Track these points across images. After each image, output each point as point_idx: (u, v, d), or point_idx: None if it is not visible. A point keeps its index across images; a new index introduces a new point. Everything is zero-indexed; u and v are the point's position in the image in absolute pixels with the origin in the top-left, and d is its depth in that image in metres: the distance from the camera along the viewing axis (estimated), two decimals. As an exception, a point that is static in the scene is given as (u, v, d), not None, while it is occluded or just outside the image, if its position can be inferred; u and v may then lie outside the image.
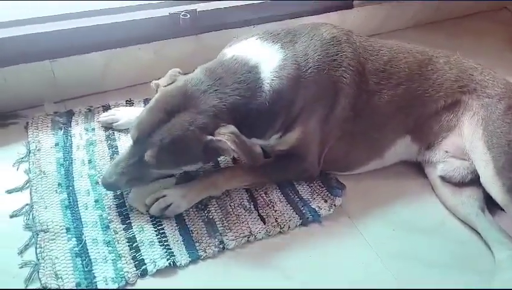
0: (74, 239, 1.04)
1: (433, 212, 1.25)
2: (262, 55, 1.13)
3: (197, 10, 1.52)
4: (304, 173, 1.24)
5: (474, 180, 1.21)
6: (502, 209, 1.17)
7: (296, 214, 1.17)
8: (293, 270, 1.06)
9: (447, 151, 1.26)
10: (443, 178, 1.25)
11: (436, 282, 1.07)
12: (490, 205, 1.21)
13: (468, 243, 1.17)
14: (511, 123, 1.16)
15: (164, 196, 1.11)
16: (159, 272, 1.02)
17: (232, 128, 1.04)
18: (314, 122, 1.18)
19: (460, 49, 1.42)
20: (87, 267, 0.99)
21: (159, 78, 1.16)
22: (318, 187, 1.24)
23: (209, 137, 1.03)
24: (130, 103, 1.46)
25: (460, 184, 1.23)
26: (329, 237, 1.14)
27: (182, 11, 1.50)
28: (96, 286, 0.97)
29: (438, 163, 1.27)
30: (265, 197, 1.21)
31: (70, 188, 1.15)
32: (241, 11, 1.58)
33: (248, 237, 1.11)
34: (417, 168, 1.35)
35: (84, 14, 1.44)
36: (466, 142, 1.22)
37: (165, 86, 1.11)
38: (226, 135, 1.02)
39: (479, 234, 1.18)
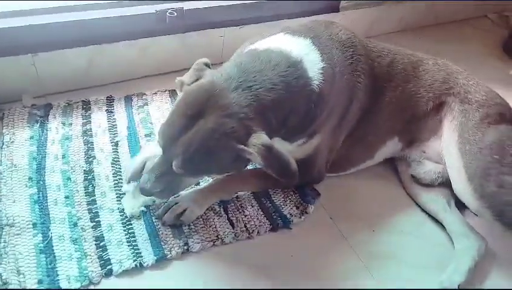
0: (40, 235, 1.03)
1: (413, 214, 1.27)
2: (302, 49, 1.05)
3: (184, 8, 1.51)
4: (312, 180, 1.23)
5: (443, 184, 1.24)
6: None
7: (267, 219, 1.17)
8: (275, 270, 1.06)
9: (424, 152, 1.29)
10: (413, 177, 1.28)
11: (414, 282, 1.08)
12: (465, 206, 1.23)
13: (445, 244, 1.19)
14: (484, 132, 1.17)
15: (176, 203, 1.09)
16: (125, 271, 1.01)
17: (264, 138, 0.92)
18: (330, 129, 1.16)
19: (445, 53, 1.45)
20: (50, 265, 0.98)
21: (183, 74, 1.05)
22: (291, 193, 1.24)
23: (240, 146, 0.91)
24: (110, 99, 1.45)
25: (428, 186, 1.26)
26: (311, 237, 1.15)
27: (169, 9, 1.49)
28: (59, 284, 0.96)
29: (412, 162, 1.29)
30: (236, 202, 1.20)
31: (41, 182, 1.14)
32: (227, 11, 1.57)
33: (214, 241, 1.10)
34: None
35: (69, 9, 1.42)
36: (443, 145, 1.24)
37: (190, 83, 1.01)
38: (256, 147, 0.91)
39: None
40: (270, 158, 0.92)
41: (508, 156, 1.12)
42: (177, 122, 0.95)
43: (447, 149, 1.21)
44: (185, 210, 1.09)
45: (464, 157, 1.15)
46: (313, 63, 1.04)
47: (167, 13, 1.49)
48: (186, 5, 1.52)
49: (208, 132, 0.92)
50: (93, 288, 0.97)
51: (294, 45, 1.06)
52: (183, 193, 1.12)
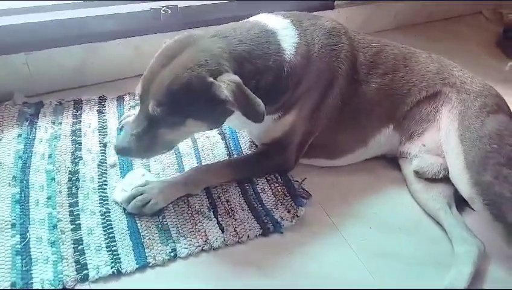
0: (18, 236, 1.00)
1: (410, 211, 1.25)
2: (279, 24, 1.12)
3: (178, 6, 1.48)
4: (283, 164, 1.23)
5: (446, 178, 1.23)
6: (472, 209, 1.17)
7: (258, 223, 1.11)
8: (273, 268, 1.04)
9: (424, 145, 1.27)
10: (417, 173, 1.26)
11: (412, 279, 1.07)
12: (463, 204, 1.22)
13: (442, 241, 1.18)
14: (484, 120, 1.18)
15: (142, 194, 1.08)
16: (102, 277, 0.96)
17: (234, 76, 0.94)
18: (307, 109, 1.18)
19: (439, 51, 1.45)
20: (25, 267, 0.95)
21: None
22: (282, 195, 1.18)
23: (210, 79, 0.93)
24: (102, 99, 1.42)
25: (432, 180, 1.24)
26: (308, 234, 1.13)
27: (163, 7, 1.47)
28: (32, 287, 0.92)
29: (413, 157, 1.28)
30: (226, 205, 1.14)
31: (24, 182, 1.11)
32: (222, 8, 1.54)
33: (203, 247, 1.05)
34: (396, 167, 1.36)
35: (63, 7, 1.41)
36: (442, 134, 1.24)
37: None
38: (225, 83, 0.92)
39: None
40: (238, 95, 0.93)
41: (505, 147, 1.12)
42: (157, 63, 0.98)
43: (446, 137, 1.21)
44: (149, 201, 1.07)
45: (463, 144, 1.16)
46: (287, 36, 1.10)
47: (161, 11, 1.47)
48: (180, 3, 1.49)
49: (182, 64, 0.94)
50: (89, 288, 0.94)
51: (272, 20, 1.13)
52: (150, 183, 1.09)
